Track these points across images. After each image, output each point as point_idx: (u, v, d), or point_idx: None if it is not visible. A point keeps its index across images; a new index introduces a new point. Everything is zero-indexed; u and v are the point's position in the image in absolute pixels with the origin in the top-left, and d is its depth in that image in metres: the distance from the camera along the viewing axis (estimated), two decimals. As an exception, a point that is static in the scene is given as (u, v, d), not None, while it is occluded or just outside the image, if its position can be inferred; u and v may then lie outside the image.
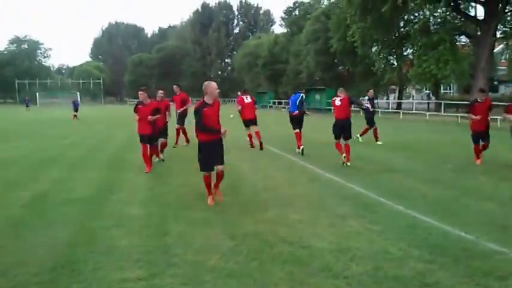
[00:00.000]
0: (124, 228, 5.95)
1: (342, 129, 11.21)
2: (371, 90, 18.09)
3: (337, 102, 11.39)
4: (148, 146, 10.62)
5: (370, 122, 16.53)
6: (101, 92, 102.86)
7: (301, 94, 13.84)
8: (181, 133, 15.24)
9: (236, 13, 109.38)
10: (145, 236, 5.62)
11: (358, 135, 16.44)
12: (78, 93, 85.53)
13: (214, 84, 7.09)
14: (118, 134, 21.03)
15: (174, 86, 15.15)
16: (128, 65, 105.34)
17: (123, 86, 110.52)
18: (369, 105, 15.89)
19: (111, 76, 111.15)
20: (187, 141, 15.19)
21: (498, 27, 31.88)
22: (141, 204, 7.30)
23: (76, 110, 33.65)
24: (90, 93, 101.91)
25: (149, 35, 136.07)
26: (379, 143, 15.93)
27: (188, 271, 4.46)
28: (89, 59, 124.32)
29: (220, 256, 4.85)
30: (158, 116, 10.62)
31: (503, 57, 38.60)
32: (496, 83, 46.03)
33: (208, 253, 4.96)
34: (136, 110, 10.65)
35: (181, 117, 14.89)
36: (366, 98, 18.37)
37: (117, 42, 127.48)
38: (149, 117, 10.28)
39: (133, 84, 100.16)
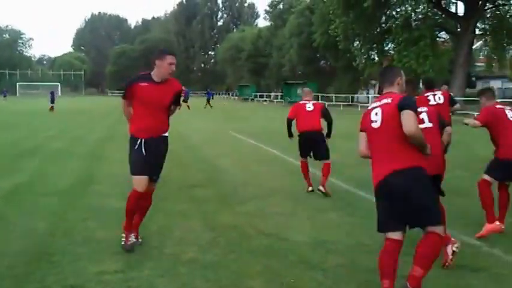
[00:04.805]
0: (102, 220, 5.93)
1: None
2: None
3: None
4: None
5: None
6: (82, 83, 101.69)
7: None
8: None
9: (220, 6, 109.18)
10: (123, 229, 5.60)
11: None
12: (59, 84, 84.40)
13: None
14: (98, 126, 20.85)
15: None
16: (110, 56, 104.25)
17: (104, 77, 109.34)
18: None
19: (93, 67, 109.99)
20: None
21: (478, 24, 32.34)
22: (120, 197, 7.21)
23: (53, 101, 32.70)
24: (71, 85, 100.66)
25: (132, 26, 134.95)
26: None
27: (166, 263, 4.47)
28: (71, 50, 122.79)
29: (198, 248, 4.87)
30: None
31: (481, 54, 39.19)
32: (474, 79, 46.64)
33: (186, 245, 4.98)
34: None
35: None
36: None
37: (99, 33, 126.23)
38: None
39: (115, 76, 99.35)
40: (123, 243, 4.80)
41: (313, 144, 7.62)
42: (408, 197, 3.58)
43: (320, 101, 8.26)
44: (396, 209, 3.65)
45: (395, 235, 3.67)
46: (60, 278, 4.13)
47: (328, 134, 7.79)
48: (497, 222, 5.52)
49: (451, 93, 14.33)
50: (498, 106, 5.74)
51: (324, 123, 7.80)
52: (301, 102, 7.84)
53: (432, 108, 5.13)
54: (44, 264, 4.46)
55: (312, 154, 7.75)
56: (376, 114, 3.73)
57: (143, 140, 4.72)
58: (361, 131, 3.95)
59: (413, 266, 3.60)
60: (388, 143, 3.65)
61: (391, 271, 3.58)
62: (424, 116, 4.83)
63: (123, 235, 4.83)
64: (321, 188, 7.44)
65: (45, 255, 4.69)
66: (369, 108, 3.90)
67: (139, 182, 4.76)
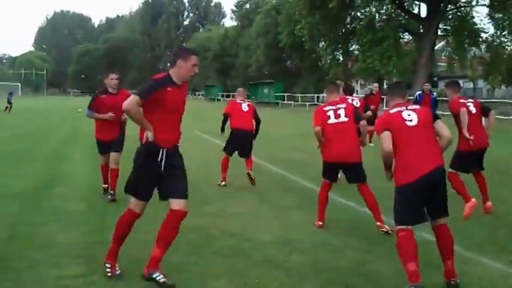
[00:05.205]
0: (63, 224, 5.79)
1: None
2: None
3: None
4: None
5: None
6: (44, 83, 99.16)
7: None
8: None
9: (187, 5, 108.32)
10: (84, 232, 5.49)
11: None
12: (19, 84, 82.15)
13: None
14: (60, 127, 20.40)
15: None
16: (73, 55, 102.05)
17: (67, 77, 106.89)
18: None
19: (55, 67, 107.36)
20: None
21: (440, 25, 33.08)
22: (82, 199, 7.12)
23: (9, 101, 31.46)
24: (33, 84, 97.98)
25: (96, 25, 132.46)
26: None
27: (129, 266, 4.38)
28: (32, 49, 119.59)
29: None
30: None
31: (443, 54, 40.08)
32: (436, 78, 47.73)
33: (149, 248, 4.87)
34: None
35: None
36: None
37: (62, 32, 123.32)
38: None
39: (77, 75, 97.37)
40: (109, 274, 4.15)
41: (243, 143, 8.32)
42: (440, 192, 4.09)
43: (251, 102, 8.50)
44: (427, 203, 4.07)
45: (411, 227, 4.04)
46: (17, 285, 4.01)
47: (256, 135, 8.54)
48: (473, 199, 6.21)
49: (434, 93, 14.42)
50: (461, 100, 6.42)
51: None
52: (237, 101, 8.52)
53: (350, 106, 5.97)
54: (2, 269, 4.32)
55: (238, 152, 8.48)
56: (409, 115, 4.19)
57: (165, 151, 4.07)
58: (384, 130, 4.20)
59: (446, 260, 4.14)
60: (425, 141, 4.12)
61: (415, 254, 3.92)
62: (341, 111, 5.73)
63: (108, 265, 4.18)
64: (250, 172, 8.30)
65: (3, 260, 4.54)
66: (393, 111, 4.29)
67: (140, 205, 4.21)
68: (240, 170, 9.47)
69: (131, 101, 3.89)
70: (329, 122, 5.75)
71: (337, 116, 5.69)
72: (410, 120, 4.16)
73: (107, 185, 7.27)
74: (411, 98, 13.13)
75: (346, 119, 5.71)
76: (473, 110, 6.37)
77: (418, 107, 4.37)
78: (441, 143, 4.20)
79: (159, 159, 4.01)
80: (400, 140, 4.13)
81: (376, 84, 15.17)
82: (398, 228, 4.05)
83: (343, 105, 5.83)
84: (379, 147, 4.30)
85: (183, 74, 4.04)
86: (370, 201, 5.71)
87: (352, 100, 8.76)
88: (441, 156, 4.16)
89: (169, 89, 3.95)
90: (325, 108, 5.87)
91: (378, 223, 5.64)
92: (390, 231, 5.38)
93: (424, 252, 4.79)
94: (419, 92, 14.04)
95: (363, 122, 5.89)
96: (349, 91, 9.28)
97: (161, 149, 4.02)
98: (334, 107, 5.81)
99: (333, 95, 6.05)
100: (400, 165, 4.12)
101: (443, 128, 4.21)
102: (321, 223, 5.86)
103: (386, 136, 4.16)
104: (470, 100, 6.59)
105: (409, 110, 4.25)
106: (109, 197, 6.91)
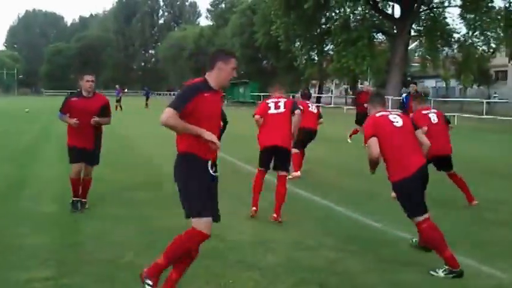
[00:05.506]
0: (33, 226, 5.67)
1: None
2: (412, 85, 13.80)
3: None
4: None
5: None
6: (15, 83, 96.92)
7: None
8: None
9: (161, 4, 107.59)
10: (55, 234, 5.38)
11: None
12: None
13: None
14: (32, 127, 19.98)
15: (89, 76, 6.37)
16: (45, 54, 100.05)
17: (39, 77, 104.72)
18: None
19: (27, 66, 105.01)
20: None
21: (413, 25, 33.60)
22: (53, 201, 6.96)
23: None
24: (3, 85, 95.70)
25: (69, 24, 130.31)
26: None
27: (101, 269, 4.32)
28: (4, 48, 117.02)
29: (135, 253, 4.75)
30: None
31: (416, 54, 40.73)
32: (409, 78, 48.53)
33: (122, 250, 4.83)
34: None
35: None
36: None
37: (34, 31, 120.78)
38: None
39: (50, 75, 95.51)
40: None
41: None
42: (426, 185, 4.62)
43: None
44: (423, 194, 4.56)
45: (427, 215, 4.44)
46: (-15, 289, 3.91)
47: (221, 133, 9.21)
48: None
49: (420, 92, 14.16)
50: (424, 112, 6.94)
51: None
52: None
53: (290, 100, 6.66)
54: (-32, 275, 4.20)
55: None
56: (395, 118, 4.67)
57: (215, 164, 3.78)
58: (372, 136, 4.52)
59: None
60: (411, 140, 4.61)
61: (445, 240, 4.31)
62: (281, 104, 6.37)
63: (149, 282, 3.66)
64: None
65: (-30, 265, 4.42)
66: (379, 115, 4.71)
67: (209, 224, 3.81)
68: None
69: (167, 115, 3.47)
70: (269, 112, 6.39)
71: (277, 107, 6.35)
72: (397, 122, 4.59)
73: (77, 198, 6.45)
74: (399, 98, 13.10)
75: (283, 110, 6.35)
76: (435, 119, 6.81)
77: (399, 112, 4.97)
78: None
79: (211, 169, 3.74)
80: (390, 140, 4.50)
81: (366, 83, 15.51)
82: (418, 221, 4.40)
83: (284, 99, 6.49)
84: (367, 151, 4.53)
85: (223, 77, 3.72)
86: (281, 193, 6.25)
87: (310, 106, 9.53)
88: (422, 153, 4.67)
89: (206, 94, 3.61)
90: (268, 101, 6.57)
91: (274, 215, 6.12)
92: (279, 221, 6.04)
93: (399, 251, 4.87)
94: (406, 94, 13.74)
95: (297, 111, 6.42)
96: (306, 96, 10.00)
97: (208, 162, 3.68)
98: (276, 100, 6.50)
99: (276, 92, 6.70)
100: (394, 163, 4.49)
101: (423, 137, 4.81)
102: (254, 208, 6.30)
103: (374, 142, 4.47)
104: (433, 111, 7.11)
105: (394, 114, 4.76)
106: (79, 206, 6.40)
